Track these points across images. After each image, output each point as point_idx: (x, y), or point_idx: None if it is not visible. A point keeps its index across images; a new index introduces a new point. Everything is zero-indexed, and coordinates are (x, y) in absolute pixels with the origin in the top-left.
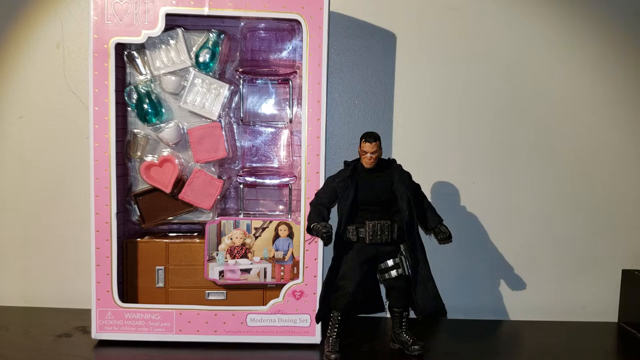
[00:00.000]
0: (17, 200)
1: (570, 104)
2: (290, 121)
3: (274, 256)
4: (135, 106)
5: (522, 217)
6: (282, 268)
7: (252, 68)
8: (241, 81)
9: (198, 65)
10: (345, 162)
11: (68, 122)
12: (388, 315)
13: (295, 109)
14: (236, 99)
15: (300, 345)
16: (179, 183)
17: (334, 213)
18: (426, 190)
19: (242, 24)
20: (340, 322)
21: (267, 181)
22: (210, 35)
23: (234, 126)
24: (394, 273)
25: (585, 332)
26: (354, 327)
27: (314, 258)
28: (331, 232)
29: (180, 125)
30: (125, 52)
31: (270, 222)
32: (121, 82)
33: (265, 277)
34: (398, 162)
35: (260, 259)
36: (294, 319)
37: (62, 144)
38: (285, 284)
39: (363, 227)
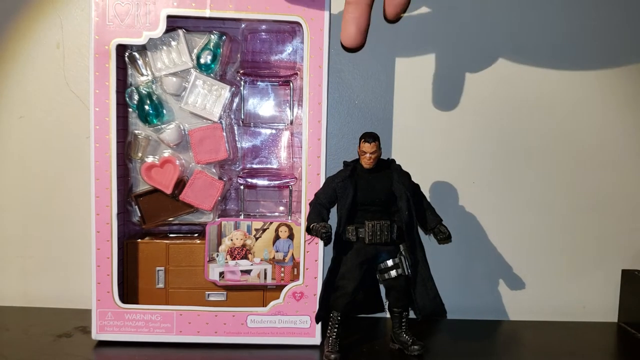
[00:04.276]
0: (17, 200)
1: (571, 104)
2: (291, 122)
3: (274, 257)
4: (136, 107)
5: (522, 217)
6: (282, 269)
7: (253, 69)
8: (242, 82)
9: (199, 66)
10: (345, 163)
11: (68, 122)
12: (388, 315)
13: (295, 110)
14: (237, 100)
15: (301, 346)
16: (180, 184)
17: (333, 213)
18: (426, 190)
19: (243, 25)
20: (340, 322)
21: (268, 182)
22: (212, 36)
23: (235, 127)
24: (393, 273)
25: (585, 332)
26: (354, 327)
27: (314, 259)
28: (330, 233)
29: (181, 126)
30: (127, 53)
31: (271, 223)
32: (122, 83)
33: (265, 278)
34: (397, 163)
35: (261, 260)
36: (294, 320)
37: (63, 144)
38: (286, 285)
39: (362, 227)
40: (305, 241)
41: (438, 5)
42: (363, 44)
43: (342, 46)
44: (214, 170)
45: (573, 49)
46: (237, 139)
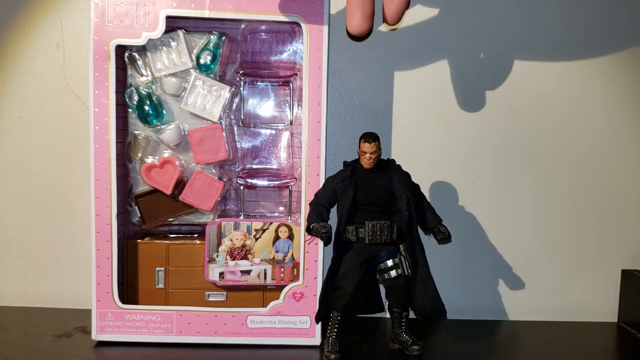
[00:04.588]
0: (17, 200)
1: (572, 104)
2: (291, 123)
3: (274, 258)
4: (136, 108)
5: (522, 217)
6: (282, 270)
7: (252, 70)
8: (242, 83)
9: (199, 67)
10: (345, 163)
11: (68, 122)
12: (388, 315)
13: (295, 110)
14: (237, 100)
15: (300, 347)
16: (180, 184)
17: (333, 213)
18: (426, 190)
19: (242, 26)
20: (340, 322)
21: (268, 183)
22: (211, 37)
23: (235, 128)
24: (393, 273)
25: (585, 332)
26: (354, 327)
27: (314, 260)
28: (330, 233)
29: (181, 126)
30: (126, 54)
31: (271, 223)
32: (122, 84)
33: (265, 278)
34: (397, 163)
35: (261, 261)
36: (294, 320)
37: (62, 144)
38: (286, 285)
39: (362, 227)
40: (305, 241)
41: (438, 5)
42: (370, 30)
43: (349, 35)
44: (214, 171)
45: (573, 49)
46: (236, 139)
